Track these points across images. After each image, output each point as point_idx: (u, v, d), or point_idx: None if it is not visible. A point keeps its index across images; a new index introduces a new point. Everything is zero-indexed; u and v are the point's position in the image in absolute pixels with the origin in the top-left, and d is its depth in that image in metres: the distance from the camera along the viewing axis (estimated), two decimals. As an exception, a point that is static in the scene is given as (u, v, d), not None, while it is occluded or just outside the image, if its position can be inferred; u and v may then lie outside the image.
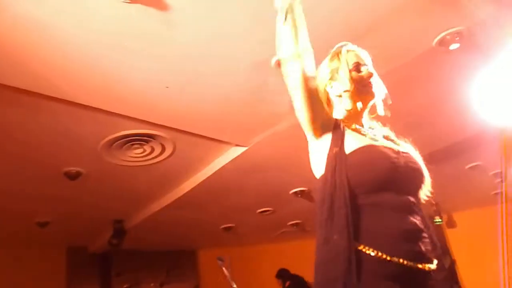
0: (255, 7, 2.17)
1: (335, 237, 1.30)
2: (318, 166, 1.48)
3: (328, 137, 1.46)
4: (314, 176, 1.51)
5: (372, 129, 1.61)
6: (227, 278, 3.86)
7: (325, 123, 1.49)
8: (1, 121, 2.90)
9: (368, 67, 1.58)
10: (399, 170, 1.40)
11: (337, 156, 1.40)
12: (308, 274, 4.49)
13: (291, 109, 1.51)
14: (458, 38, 2.56)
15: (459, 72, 3.02)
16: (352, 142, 1.45)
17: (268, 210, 5.56)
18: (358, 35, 2.38)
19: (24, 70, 2.38)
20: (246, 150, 3.68)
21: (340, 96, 1.57)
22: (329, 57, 1.64)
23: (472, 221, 6.14)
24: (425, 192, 1.50)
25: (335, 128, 1.48)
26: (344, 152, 1.41)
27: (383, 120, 1.65)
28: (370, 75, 1.55)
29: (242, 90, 2.86)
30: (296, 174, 4.48)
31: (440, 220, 6.04)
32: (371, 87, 1.55)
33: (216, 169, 4.00)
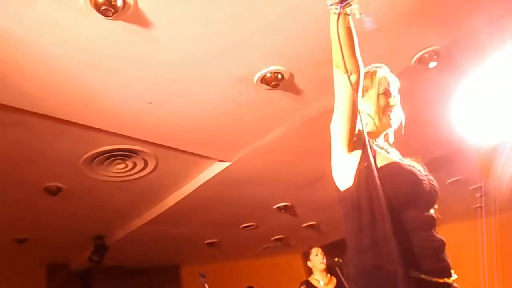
0: (237, 27, 2.20)
1: (388, 268, 1.29)
2: (345, 178, 1.48)
3: (358, 152, 1.47)
4: (338, 188, 1.52)
5: (387, 151, 1.64)
6: (210, 294, 3.82)
7: (357, 138, 1.50)
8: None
9: (395, 97, 1.63)
10: (424, 187, 1.45)
11: (370, 169, 1.40)
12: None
13: None
14: (435, 56, 2.63)
15: (438, 89, 3.10)
16: (380, 158, 1.50)
17: (251, 225, 5.55)
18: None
19: (5, 86, 2.36)
20: (229, 165, 3.69)
21: (362, 112, 1.59)
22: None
23: (453, 234, 6.18)
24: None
25: (365, 144, 1.47)
26: (377, 166, 1.43)
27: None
28: (394, 105, 1.61)
29: (225, 106, 2.88)
30: (279, 189, 4.50)
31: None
32: (391, 116, 1.60)
33: (199, 184, 3.98)
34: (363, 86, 1.59)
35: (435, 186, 1.50)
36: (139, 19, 2.05)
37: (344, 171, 1.49)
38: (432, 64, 2.67)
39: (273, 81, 2.60)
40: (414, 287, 1.26)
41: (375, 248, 1.33)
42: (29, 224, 4.47)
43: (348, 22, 1.38)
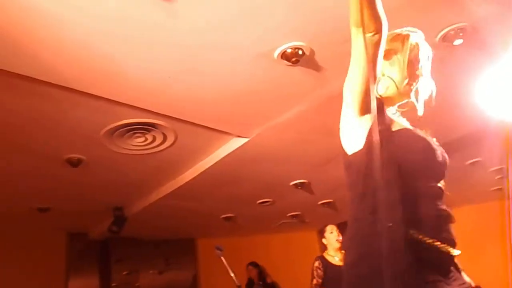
0: (259, 1, 2.17)
1: (391, 225, 1.25)
2: (354, 142, 1.43)
3: (369, 116, 1.39)
4: (345, 151, 1.47)
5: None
6: (226, 267, 3.89)
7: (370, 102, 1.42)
8: (3, 107, 2.91)
9: (423, 67, 1.55)
10: (437, 157, 1.42)
11: (383, 134, 1.34)
12: (307, 264, 4.53)
13: None
14: (461, 34, 2.55)
15: (462, 67, 3.02)
16: (393, 124, 1.47)
17: (268, 201, 5.59)
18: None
19: (28, 57, 2.39)
20: (247, 141, 3.69)
21: (383, 75, 1.52)
22: (392, 35, 1.54)
23: (471, 216, 6.15)
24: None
25: (379, 108, 1.39)
26: (391, 130, 1.41)
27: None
28: (420, 76, 1.53)
29: (245, 81, 2.87)
30: (297, 166, 4.51)
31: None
32: (413, 87, 1.53)
33: (217, 159, 4.01)
34: (392, 49, 1.52)
35: (446, 159, 1.47)
36: (160, -9, 2.04)
37: (353, 134, 1.43)
38: (458, 42, 2.60)
39: (294, 57, 2.57)
40: (412, 247, 1.24)
41: (375, 214, 1.29)
42: (51, 194, 4.59)
43: None
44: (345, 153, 1.47)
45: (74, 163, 3.80)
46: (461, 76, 3.12)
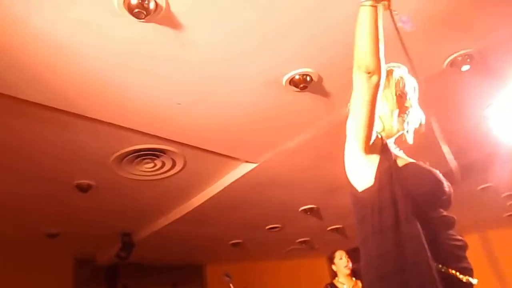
0: (267, 28, 2.20)
1: (409, 251, 1.28)
2: (363, 179, 1.45)
3: (377, 154, 1.44)
4: (355, 189, 1.48)
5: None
6: (234, 294, 3.84)
7: (375, 140, 1.45)
8: (15, 134, 2.96)
9: (411, 99, 1.59)
10: (445, 187, 1.43)
11: (391, 169, 1.40)
12: (315, 292, 4.45)
13: None
14: (469, 60, 2.57)
15: (470, 93, 3.03)
16: (399, 159, 1.49)
17: (276, 227, 5.54)
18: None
19: (40, 85, 2.44)
20: (256, 166, 3.70)
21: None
22: None
23: (484, 243, 6.05)
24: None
25: (383, 145, 1.47)
26: (398, 165, 1.43)
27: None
28: (409, 107, 1.57)
29: (253, 107, 2.89)
30: (305, 192, 4.48)
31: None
32: (405, 118, 1.56)
33: (226, 184, 4.01)
34: None
35: (451, 189, 1.48)
36: (171, 22, 2.09)
37: (362, 171, 1.44)
38: (465, 68, 2.61)
39: (302, 83, 2.60)
40: (443, 281, 1.24)
41: (399, 249, 1.30)
42: (60, 220, 4.59)
43: (377, 18, 1.31)
44: (355, 190, 1.48)
45: (84, 189, 3.82)
46: (470, 102, 3.12)
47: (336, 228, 5.80)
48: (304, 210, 4.94)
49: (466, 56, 2.57)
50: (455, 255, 1.33)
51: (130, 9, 1.96)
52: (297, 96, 2.75)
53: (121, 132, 3.03)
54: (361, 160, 1.45)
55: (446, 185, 1.45)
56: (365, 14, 1.31)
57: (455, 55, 2.58)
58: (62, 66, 2.33)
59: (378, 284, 1.35)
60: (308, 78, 2.58)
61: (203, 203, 4.33)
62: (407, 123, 1.57)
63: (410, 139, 1.60)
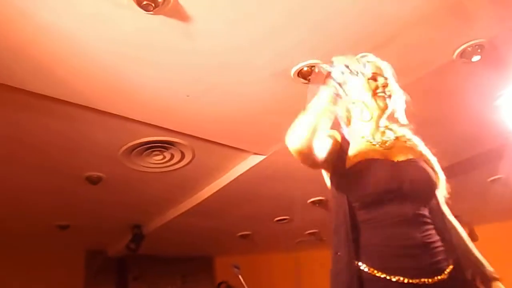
0: (275, 18, 2.20)
1: (339, 253, 1.36)
2: (327, 178, 1.61)
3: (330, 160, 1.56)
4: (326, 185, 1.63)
5: (390, 130, 1.65)
6: (243, 285, 3.86)
7: (331, 147, 1.56)
8: (24, 127, 2.99)
9: (384, 78, 1.62)
10: (400, 183, 1.42)
11: (337, 174, 1.51)
12: (325, 283, 4.46)
13: None
14: (479, 50, 2.53)
15: (481, 84, 2.99)
16: (355, 155, 1.54)
17: (285, 219, 5.55)
18: (377, 45, 2.38)
19: (49, 77, 2.45)
20: (265, 158, 3.70)
21: (354, 103, 1.62)
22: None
23: (494, 234, 6.00)
24: (442, 196, 1.51)
25: (341, 148, 1.56)
26: (344, 169, 1.50)
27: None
28: (385, 84, 1.59)
29: (262, 99, 2.89)
30: (314, 184, 4.44)
31: (461, 233, 5.92)
32: (385, 97, 1.60)
33: (234, 176, 4.02)
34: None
35: (423, 178, 1.47)
36: (179, 13, 2.08)
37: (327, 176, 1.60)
38: (475, 58, 2.58)
39: (310, 75, 2.58)
40: (367, 282, 1.29)
41: (335, 253, 1.39)
42: (70, 212, 4.64)
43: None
44: (327, 187, 1.62)
45: (94, 181, 3.85)
46: (480, 92, 3.09)
47: (345, 220, 5.78)
48: (313, 202, 4.93)
49: (477, 47, 2.53)
50: (403, 256, 1.32)
51: (139, 2, 1.96)
52: (305, 88, 2.72)
53: (130, 124, 3.05)
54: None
55: (410, 177, 1.44)
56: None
57: (465, 45, 2.54)
58: (71, 59, 2.34)
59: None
60: (316, 70, 2.57)
61: (212, 195, 4.35)
62: (394, 101, 1.62)
63: (402, 118, 1.64)
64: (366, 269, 1.30)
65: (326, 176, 1.62)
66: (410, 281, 1.27)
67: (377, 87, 1.60)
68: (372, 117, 1.61)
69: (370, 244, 1.35)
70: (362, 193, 1.43)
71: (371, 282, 1.29)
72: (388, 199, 1.40)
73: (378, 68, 1.65)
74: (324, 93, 1.43)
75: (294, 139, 1.35)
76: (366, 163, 1.48)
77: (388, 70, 1.66)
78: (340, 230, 1.38)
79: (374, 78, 1.61)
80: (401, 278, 1.27)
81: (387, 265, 1.30)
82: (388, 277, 1.28)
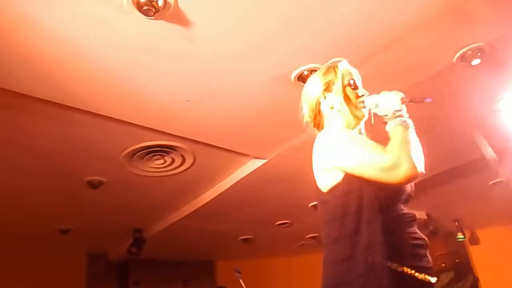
0: (276, 23, 2.21)
1: (365, 255, 1.30)
2: (329, 180, 1.48)
3: None
4: (320, 190, 1.52)
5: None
6: (244, 290, 3.86)
7: None
8: (27, 131, 3.00)
9: (362, 88, 1.64)
10: (411, 185, 1.47)
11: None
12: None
13: None
14: (479, 53, 2.54)
15: (481, 87, 3.00)
16: None
17: (286, 223, 5.55)
18: (377, 50, 2.39)
19: (51, 82, 2.46)
20: (265, 162, 3.70)
21: (332, 108, 1.61)
22: (323, 70, 1.69)
23: (496, 238, 5.99)
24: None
25: None
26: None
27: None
28: (364, 94, 1.60)
29: (262, 103, 2.89)
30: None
31: (462, 236, 5.92)
32: (362, 106, 1.59)
33: (235, 180, 4.03)
34: (328, 81, 1.63)
35: (412, 187, 1.51)
36: (179, 18, 2.10)
37: (328, 173, 1.48)
38: (475, 62, 2.59)
39: (310, 79, 2.59)
40: (398, 280, 1.27)
41: (357, 256, 1.32)
42: (72, 216, 4.65)
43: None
44: (320, 191, 1.52)
45: (95, 185, 3.86)
46: (480, 96, 3.10)
47: (346, 224, 5.78)
48: (314, 205, 4.93)
49: (477, 50, 2.54)
50: (413, 254, 1.34)
51: (139, 7, 1.98)
52: (306, 92, 2.74)
53: (131, 129, 3.06)
54: (329, 171, 1.48)
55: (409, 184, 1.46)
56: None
57: (465, 49, 2.55)
58: (73, 64, 2.35)
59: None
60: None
61: (212, 199, 4.35)
62: (370, 107, 1.58)
63: (363, 131, 1.63)
64: (399, 269, 1.30)
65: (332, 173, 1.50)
66: (420, 276, 1.31)
67: (357, 96, 1.60)
68: (352, 122, 1.61)
69: (393, 242, 1.33)
70: (393, 193, 1.40)
71: (403, 281, 1.29)
72: (403, 200, 1.45)
73: (353, 75, 1.66)
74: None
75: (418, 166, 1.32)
76: None
77: (359, 78, 1.68)
78: (366, 228, 1.33)
79: (353, 85, 1.62)
80: (417, 274, 1.31)
81: (412, 263, 1.32)
82: (415, 274, 1.30)
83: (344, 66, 1.67)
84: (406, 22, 2.28)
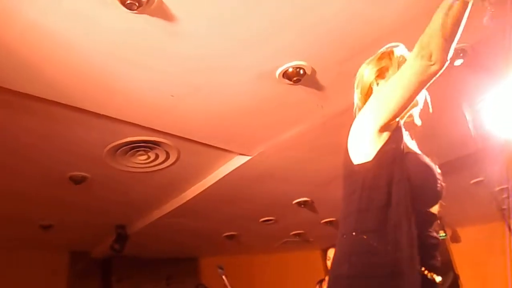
0: (260, 20, 2.20)
1: (397, 254, 1.26)
2: (363, 153, 1.43)
3: (387, 134, 1.42)
4: (350, 161, 1.46)
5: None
6: (227, 286, 3.86)
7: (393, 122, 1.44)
8: (9, 126, 2.95)
9: None
10: (437, 185, 1.43)
11: (396, 151, 1.38)
12: (310, 283, 4.48)
13: None
14: (461, 54, 2.57)
15: (463, 87, 3.04)
16: (407, 143, 1.48)
17: (270, 220, 5.56)
18: (362, 49, 2.40)
19: (33, 76, 2.42)
20: (250, 159, 3.70)
21: None
22: (377, 55, 1.63)
23: (476, 236, 6.09)
24: None
25: (398, 127, 1.44)
26: (402, 151, 1.40)
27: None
28: None
29: (247, 100, 2.89)
30: (300, 184, 4.50)
31: (444, 234, 5.99)
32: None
33: (220, 177, 4.02)
34: (383, 67, 1.57)
35: (443, 188, 1.47)
36: (163, 13, 2.08)
37: (366, 147, 1.41)
38: (458, 62, 2.62)
39: (295, 76, 2.59)
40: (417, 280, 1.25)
41: (381, 231, 1.29)
42: (54, 211, 4.60)
43: (463, 11, 1.30)
44: (350, 162, 1.46)
45: (78, 181, 3.81)
46: (462, 96, 3.13)
47: (330, 221, 5.82)
48: (298, 203, 4.96)
49: (459, 51, 2.58)
50: (428, 253, 1.34)
51: (123, 0, 1.95)
52: (291, 89, 2.75)
53: (114, 124, 3.03)
54: (370, 137, 1.41)
55: (439, 184, 1.44)
56: (456, 7, 1.29)
57: (448, 49, 2.58)
58: (55, 58, 2.31)
59: (347, 265, 1.34)
60: (301, 71, 2.58)
61: (197, 195, 4.34)
62: (418, 100, 1.54)
63: (418, 120, 1.60)
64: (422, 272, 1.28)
65: (369, 142, 1.42)
66: (432, 276, 1.30)
67: None
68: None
69: (419, 238, 1.30)
70: (416, 184, 1.35)
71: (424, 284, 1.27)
72: (429, 198, 1.43)
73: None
74: None
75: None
76: (417, 157, 1.47)
77: None
78: (393, 216, 1.29)
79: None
80: (429, 274, 1.30)
81: (426, 261, 1.31)
82: (426, 273, 1.29)
83: (400, 51, 1.60)
84: (390, 22, 2.30)
